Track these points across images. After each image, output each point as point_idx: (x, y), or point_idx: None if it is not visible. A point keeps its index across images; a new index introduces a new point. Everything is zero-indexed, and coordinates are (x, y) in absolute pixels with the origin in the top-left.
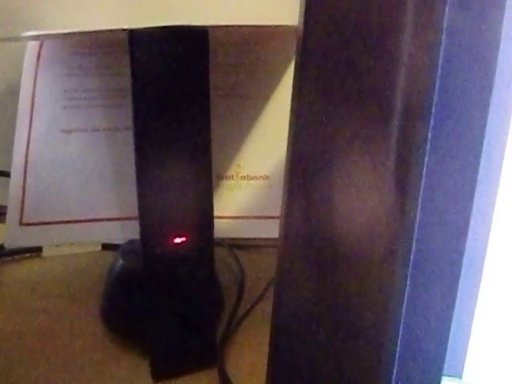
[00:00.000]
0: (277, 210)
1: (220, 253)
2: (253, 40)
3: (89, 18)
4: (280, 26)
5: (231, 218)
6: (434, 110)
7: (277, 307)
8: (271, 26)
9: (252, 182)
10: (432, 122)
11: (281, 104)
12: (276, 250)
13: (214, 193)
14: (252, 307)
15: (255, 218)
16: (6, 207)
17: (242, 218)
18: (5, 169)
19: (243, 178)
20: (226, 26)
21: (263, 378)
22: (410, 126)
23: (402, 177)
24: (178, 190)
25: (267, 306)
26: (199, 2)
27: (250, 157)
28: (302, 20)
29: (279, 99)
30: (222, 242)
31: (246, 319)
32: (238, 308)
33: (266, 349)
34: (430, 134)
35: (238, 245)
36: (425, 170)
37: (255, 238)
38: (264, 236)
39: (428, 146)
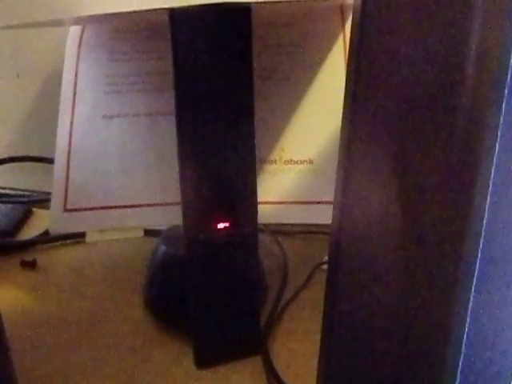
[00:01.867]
0: (321, 195)
1: (263, 239)
2: (296, 19)
3: (129, 1)
4: (324, 1)
5: (274, 203)
6: (504, 105)
7: (330, 300)
8: (315, 1)
9: (296, 166)
10: (503, 115)
11: (325, 85)
12: (320, 236)
13: (257, 177)
14: (296, 294)
15: (299, 203)
16: (50, 193)
17: (286, 203)
18: (49, 155)
19: (287, 162)
20: (269, 2)
21: (308, 365)
22: (478, 120)
23: (469, 172)
24: (221, 175)
25: (311, 293)
26: None
27: (294, 140)
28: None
29: (323, 80)
30: (265, 228)
31: (290, 306)
32: (281, 295)
33: (310, 336)
34: (499, 131)
35: (280, 231)
36: (494, 168)
37: (299, 224)
38: (308, 222)
39: (497, 144)
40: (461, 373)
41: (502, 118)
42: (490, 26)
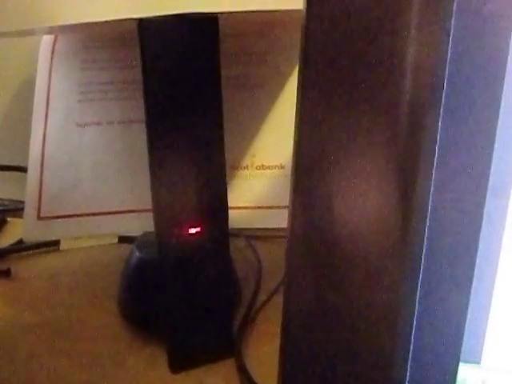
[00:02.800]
0: None
1: (237, 244)
2: (265, 28)
3: (100, 10)
4: (292, 10)
5: (247, 208)
6: (442, 105)
7: (286, 303)
8: (283, 11)
9: (267, 171)
10: (441, 118)
11: (295, 92)
12: None
13: (229, 183)
14: (269, 298)
15: (271, 207)
16: (23, 202)
17: (258, 208)
18: (22, 164)
19: (258, 167)
20: (236, 12)
21: None
22: (418, 121)
23: (411, 174)
24: (192, 180)
25: None
26: None
27: (265, 146)
28: (305, 6)
29: (293, 87)
30: (239, 233)
31: (264, 310)
32: (255, 299)
33: None
34: (439, 130)
35: (255, 235)
36: (434, 166)
37: (272, 228)
38: (280, 226)
39: (437, 143)
40: (410, 365)
41: (440, 119)
42: (426, 35)
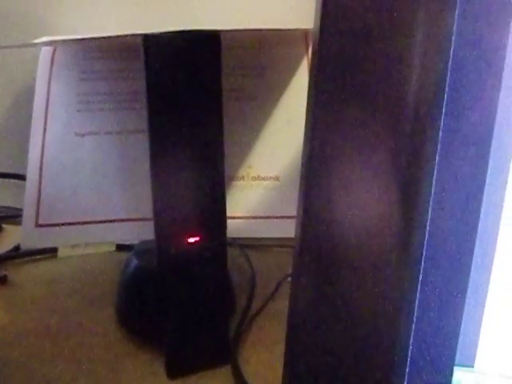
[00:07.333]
0: (287, 210)
1: (231, 252)
2: (263, 43)
3: (101, 23)
4: (290, 29)
5: (242, 218)
6: (443, 108)
7: (292, 307)
8: (282, 30)
9: (263, 182)
10: (442, 119)
11: (290, 105)
12: (286, 250)
13: (226, 193)
14: (263, 306)
15: (266, 218)
16: (22, 209)
17: (253, 218)
18: (21, 172)
19: (254, 178)
20: (239, 30)
21: (275, 374)
22: (420, 128)
23: (414, 176)
24: (192, 191)
25: (278, 305)
26: (211, 7)
27: (261, 158)
28: (318, 24)
29: (288, 101)
30: (233, 242)
31: (258, 318)
32: (249, 307)
33: (277, 346)
34: (440, 132)
35: (248, 244)
36: (436, 167)
37: (266, 238)
38: (274, 236)
39: (438, 145)
40: (408, 369)
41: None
42: (429, 45)
